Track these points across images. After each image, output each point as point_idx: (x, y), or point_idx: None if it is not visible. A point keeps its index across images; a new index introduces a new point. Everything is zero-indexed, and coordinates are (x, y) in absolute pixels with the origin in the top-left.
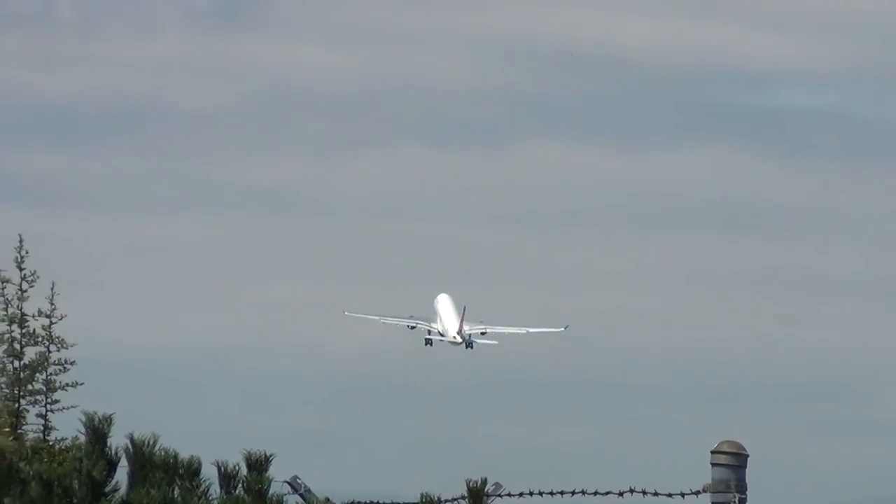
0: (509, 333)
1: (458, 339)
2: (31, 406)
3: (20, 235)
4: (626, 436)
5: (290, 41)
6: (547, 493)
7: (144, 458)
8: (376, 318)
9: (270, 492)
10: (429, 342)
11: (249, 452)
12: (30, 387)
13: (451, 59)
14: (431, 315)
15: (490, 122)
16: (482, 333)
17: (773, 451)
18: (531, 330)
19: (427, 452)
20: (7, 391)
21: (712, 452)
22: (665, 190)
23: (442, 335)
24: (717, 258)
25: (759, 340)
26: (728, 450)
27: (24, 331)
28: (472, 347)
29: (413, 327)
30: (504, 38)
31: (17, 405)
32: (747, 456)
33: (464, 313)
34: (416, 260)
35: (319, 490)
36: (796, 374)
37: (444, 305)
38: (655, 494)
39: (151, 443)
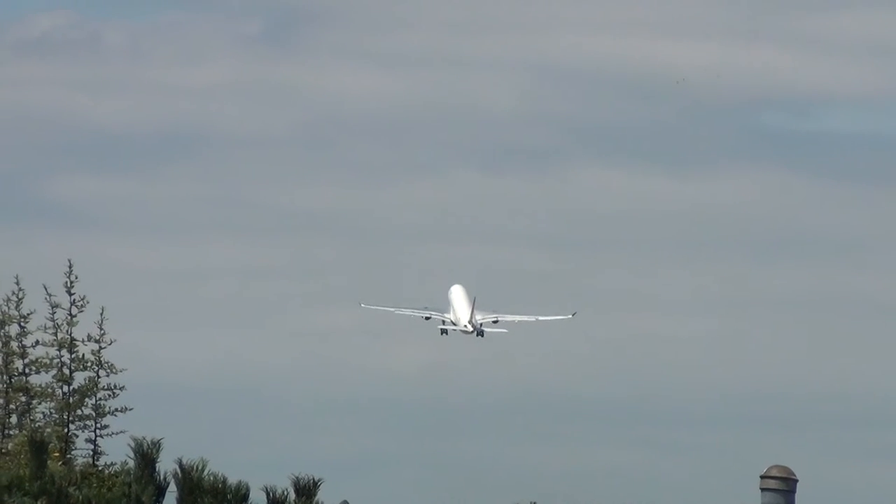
0: (519, 322)
1: (470, 328)
2: (80, 431)
3: (70, 261)
4: (673, 460)
5: (340, 66)
6: None
7: (193, 484)
8: (392, 309)
9: None
10: (444, 332)
11: (297, 477)
12: (79, 412)
13: (501, 83)
14: (445, 306)
15: (541, 147)
16: (494, 322)
17: (822, 476)
18: (540, 318)
19: (476, 475)
20: (56, 416)
21: (762, 477)
22: (711, 214)
23: (455, 324)
24: (763, 282)
25: (807, 364)
26: (777, 475)
27: (73, 356)
28: (482, 336)
29: (428, 318)
30: (555, 63)
31: (66, 430)
32: (797, 481)
33: (474, 303)
34: (469, 284)
35: None
36: (846, 399)
37: (458, 296)
38: None
39: (200, 468)
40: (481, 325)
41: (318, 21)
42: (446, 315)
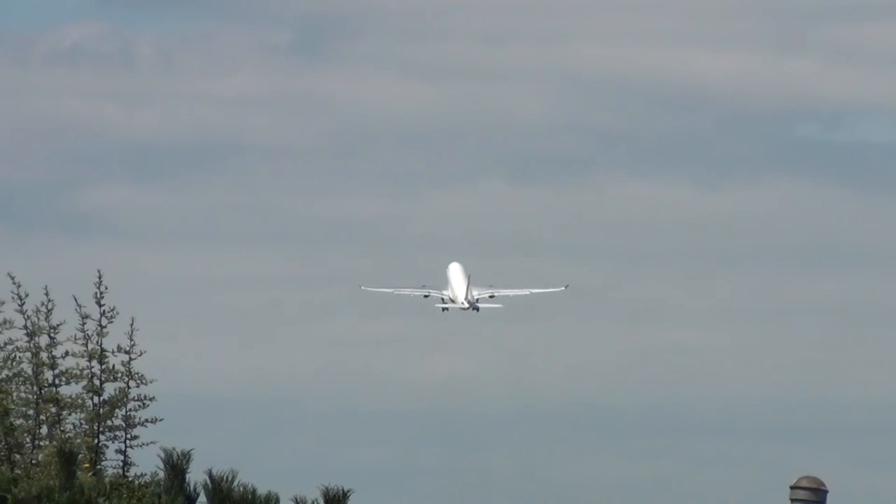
0: (513, 296)
1: (466, 305)
2: (110, 442)
3: (99, 271)
4: (701, 471)
5: (369, 76)
6: None
7: (223, 494)
8: (391, 290)
9: None
10: (445, 309)
11: (327, 488)
12: (109, 423)
13: (531, 93)
14: (443, 283)
15: (570, 156)
16: (490, 297)
17: (853, 486)
18: (533, 291)
19: (501, 485)
20: (86, 427)
21: (791, 488)
22: (744, 225)
23: (453, 301)
24: (796, 292)
25: (837, 373)
26: (807, 485)
27: (103, 367)
28: (477, 310)
29: (427, 296)
30: (585, 73)
31: (96, 441)
32: (826, 491)
33: (469, 280)
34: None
35: None
36: (876, 408)
37: (455, 273)
38: None
39: (230, 479)
40: (477, 300)
41: (346, 31)
42: (444, 292)
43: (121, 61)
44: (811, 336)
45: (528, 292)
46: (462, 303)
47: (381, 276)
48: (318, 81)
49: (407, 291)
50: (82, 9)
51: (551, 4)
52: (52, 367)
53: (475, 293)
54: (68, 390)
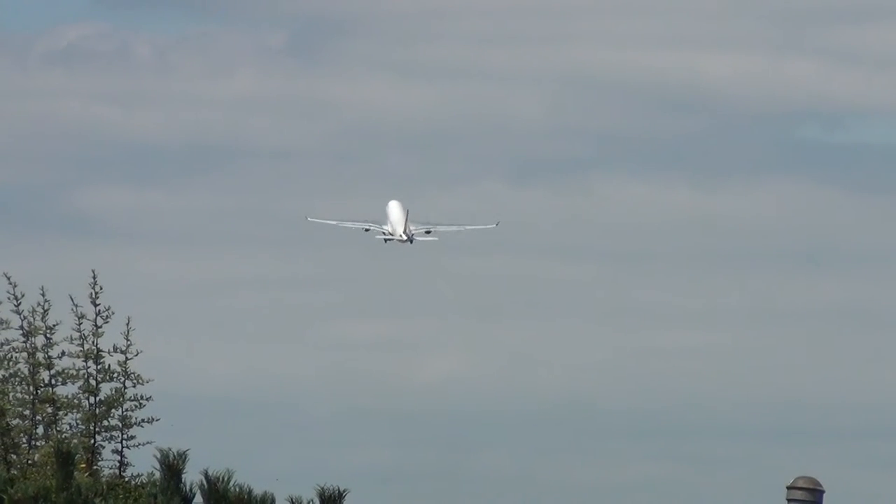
0: (447, 231)
1: (404, 237)
2: (106, 442)
3: (93, 271)
4: (697, 472)
5: (367, 78)
6: None
7: (219, 495)
8: (335, 223)
9: None
10: (387, 240)
11: (323, 488)
12: (105, 423)
13: (530, 95)
14: (383, 219)
15: (569, 158)
16: (427, 232)
17: (849, 486)
18: (467, 227)
19: (499, 488)
20: (83, 427)
21: (788, 488)
22: (743, 226)
23: (392, 234)
24: (795, 294)
25: (835, 376)
26: (804, 485)
27: (99, 367)
28: (412, 242)
29: (367, 230)
30: (584, 75)
31: (92, 441)
32: (823, 492)
33: (407, 215)
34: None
35: None
36: (874, 410)
37: (393, 209)
38: None
39: (226, 479)
40: (413, 234)
41: (343, 33)
42: (384, 227)
43: (118, 62)
44: (810, 338)
45: (461, 228)
46: (400, 235)
47: (375, 278)
48: (317, 83)
49: (349, 224)
50: (79, 9)
51: (550, 7)
52: (49, 367)
53: (412, 228)
54: (65, 390)
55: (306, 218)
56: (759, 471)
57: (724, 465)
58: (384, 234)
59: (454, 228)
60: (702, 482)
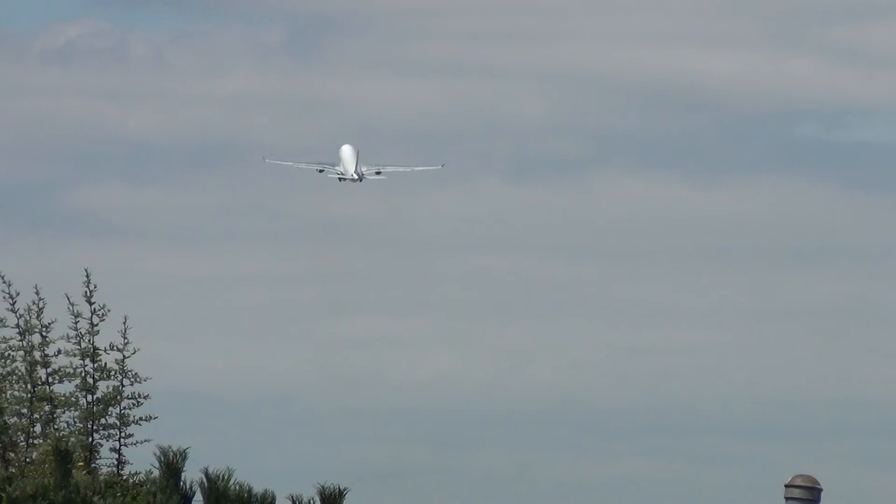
0: (394, 171)
1: (355, 177)
2: (104, 440)
3: (87, 270)
4: (695, 470)
5: (365, 75)
6: None
7: (219, 493)
8: (290, 163)
9: None
10: (341, 180)
11: (323, 486)
12: (103, 421)
13: (528, 93)
14: (337, 161)
15: (567, 156)
16: (377, 173)
17: (847, 485)
18: (415, 168)
19: (498, 485)
20: (81, 425)
21: (786, 486)
22: (742, 225)
23: (344, 174)
24: (794, 293)
25: (833, 374)
26: (802, 483)
27: (96, 365)
28: (361, 181)
29: (321, 171)
30: (582, 73)
31: (90, 439)
32: (821, 490)
33: (358, 156)
34: (487, 292)
35: None
36: (871, 408)
37: (346, 152)
38: None
39: (226, 477)
40: (363, 173)
41: (341, 30)
42: (337, 167)
43: (116, 60)
44: (809, 336)
45: (409, 169)
46: (352, 175)
47: (375, 275)
48: (315, 81)
49: (304, 166)
50: (77, 7)
51: (549, 4)
52: (45, 365)
53: (363, 168)
54: (62, 388)
55: (264, 159)
56: (757, 469)
57: (722, 462)
58: (338, 173)
59: (402, 169)
60: (700, 480)
